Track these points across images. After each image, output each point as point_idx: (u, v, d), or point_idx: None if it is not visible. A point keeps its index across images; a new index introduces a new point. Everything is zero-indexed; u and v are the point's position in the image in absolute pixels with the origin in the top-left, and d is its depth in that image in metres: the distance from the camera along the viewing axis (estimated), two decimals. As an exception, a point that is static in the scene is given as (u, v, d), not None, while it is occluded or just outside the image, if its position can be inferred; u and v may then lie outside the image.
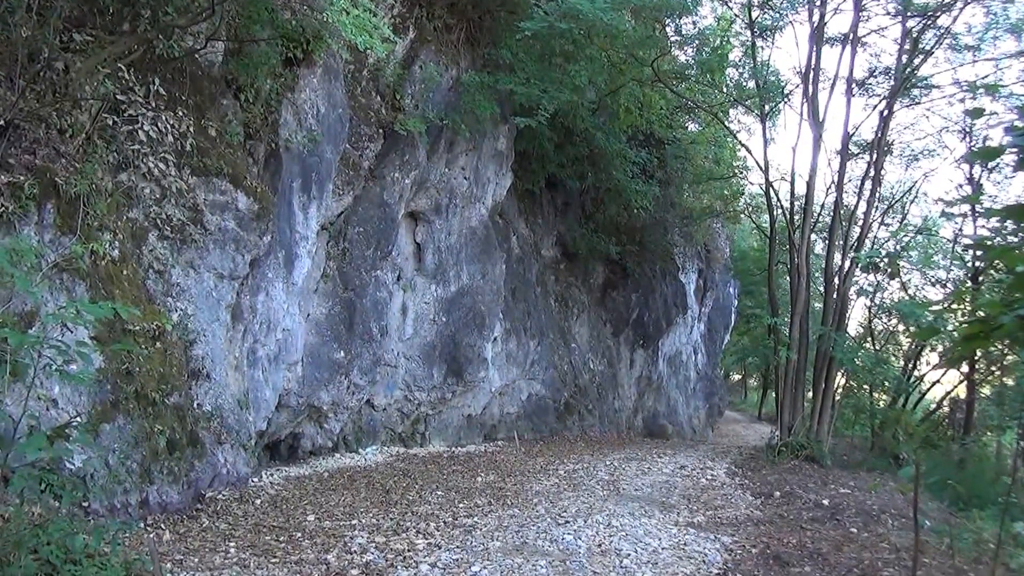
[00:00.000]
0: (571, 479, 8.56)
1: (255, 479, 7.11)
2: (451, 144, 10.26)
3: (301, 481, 7.42)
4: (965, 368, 15.47)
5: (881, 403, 17.50)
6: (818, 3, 12.24)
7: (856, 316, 20.38)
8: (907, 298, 17.32)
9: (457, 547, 5.27)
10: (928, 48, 12.20)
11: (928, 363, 17.96)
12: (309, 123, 7.58)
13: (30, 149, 4.93)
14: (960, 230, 16.72)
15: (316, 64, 7.61)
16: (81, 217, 5.07)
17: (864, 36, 12.42)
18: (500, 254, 11.58)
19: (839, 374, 12.99)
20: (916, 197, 17.63)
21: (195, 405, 6.01)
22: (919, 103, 13.66)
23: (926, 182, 35.14)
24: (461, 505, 6.72)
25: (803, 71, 12.46)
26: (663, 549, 5.57)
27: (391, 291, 9.69)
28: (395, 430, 10.25)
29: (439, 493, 7.20)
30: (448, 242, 10.59)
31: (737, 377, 41.90)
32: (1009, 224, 3.00)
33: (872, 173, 12.83)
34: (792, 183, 13.43)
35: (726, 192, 17.75)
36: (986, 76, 13.53)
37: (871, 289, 17.61)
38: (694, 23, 14.33)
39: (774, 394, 19.40)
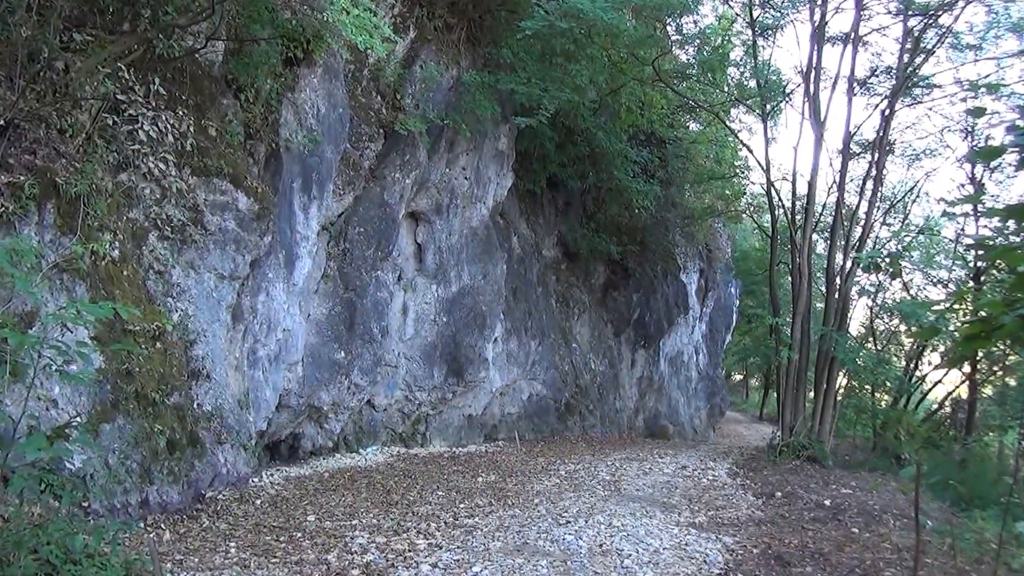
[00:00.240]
0: (572, 479, 8.55)
1: (255, 479, 7.11)
2: (452, 144, 10.25)
3: (301, 481, 7.42)
4: (967, 368, 15.47)
5: (883, 403, 17.52)
6: (819, 2, 12.21)
7: (858, 316, 20.43)
8: (909, 298, 17.33)
9: (458, 547, 5.26)
10: (930, 47, 12.18)
11: (930, 363, 18.01)
12: (309, 123, 7.57)
13: (30, 149, 4.93)
14: (962, 230, 16.74)
15: (316, 64, 7.60)
16: (81, 217, 5.06)
17: (865, 35, 12.41)
18: (501, 254, 11.57)
19: (841, 374, 12.99)
20: (918, 197, 17.68)
21: (195, 405, 6.01)
22: (921, 102, 13.64)
23: (928, 182, 35.10)
24: (462, 505, 6.71)
25: (804, 70, 12.46)
26: (664, 549, 5.56)
27: (392, 291, 9.68)
28: (396, 430, 10.24)
29: (440, 493, 7.19)
30: (449, 242, 10.58)
31: (739, 377, 41.87)
32: (1011, 224, 2.99)
33: (874, 173, 12.82)
34: (793, 183, 13.41)
35: (727, 192, 17.71)
36: (988, 75, 13.54)
37: (873, 289, 17.64)
38: (695, 22, 14.38)
39: (776, 394, 19.42)
